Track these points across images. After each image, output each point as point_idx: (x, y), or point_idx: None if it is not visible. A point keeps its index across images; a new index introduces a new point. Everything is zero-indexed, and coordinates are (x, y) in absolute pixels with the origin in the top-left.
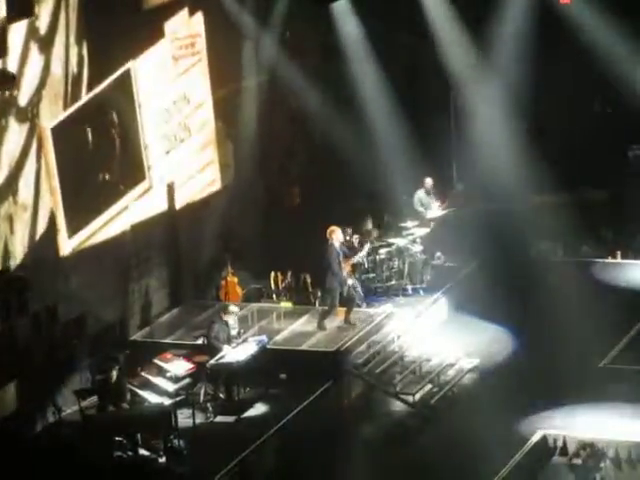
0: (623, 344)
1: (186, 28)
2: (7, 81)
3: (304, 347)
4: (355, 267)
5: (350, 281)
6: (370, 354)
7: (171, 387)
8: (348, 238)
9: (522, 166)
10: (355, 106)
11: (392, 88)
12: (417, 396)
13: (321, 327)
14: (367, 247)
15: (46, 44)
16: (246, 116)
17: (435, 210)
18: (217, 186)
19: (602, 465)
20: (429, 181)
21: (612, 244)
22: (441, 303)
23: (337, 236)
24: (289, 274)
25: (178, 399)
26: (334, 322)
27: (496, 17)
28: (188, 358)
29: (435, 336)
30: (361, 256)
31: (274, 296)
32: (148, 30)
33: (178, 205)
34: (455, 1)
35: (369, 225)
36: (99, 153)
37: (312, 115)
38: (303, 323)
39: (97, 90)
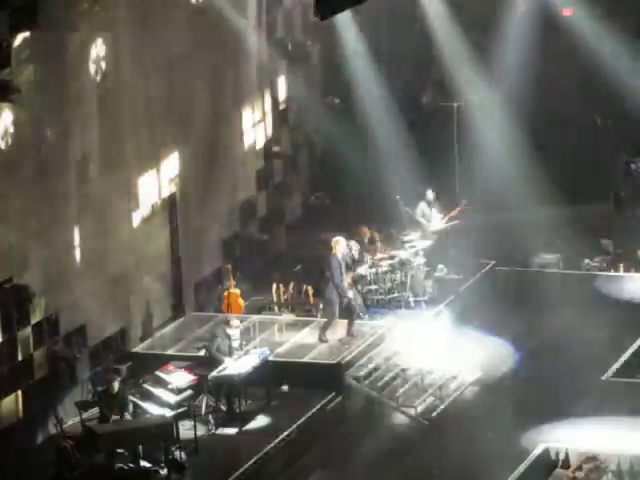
0: (625, 357)
1: None
2: (12, 93)
3: (306, 359)
4: (356, 279)
5: (351, 293)
6: (372, 366)
7: (173, 399)
8: (349, 250)
9: (524, 178)
10: (358, 119)
11: (395, 100)
12: (419, 409)
13: (322, 339)
14: (369, 260)
15: None
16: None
17: (438, 222)
18: None
19: (604, 478)
20: (430, 193)
21: (614, 256)
22: (443, 316)
23: (341, 247)
24: (291, 286)
25: (179, 411)
26: (336, 334)
27: (498, 30)
28: (190, 370)
29: (437, 349)
30: (363, 269)
31: (276, 308)
32: None
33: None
34: (458, 15)
35: (369, 236)
36: None
37: (315, 128)
38: (305, 335)
39: None
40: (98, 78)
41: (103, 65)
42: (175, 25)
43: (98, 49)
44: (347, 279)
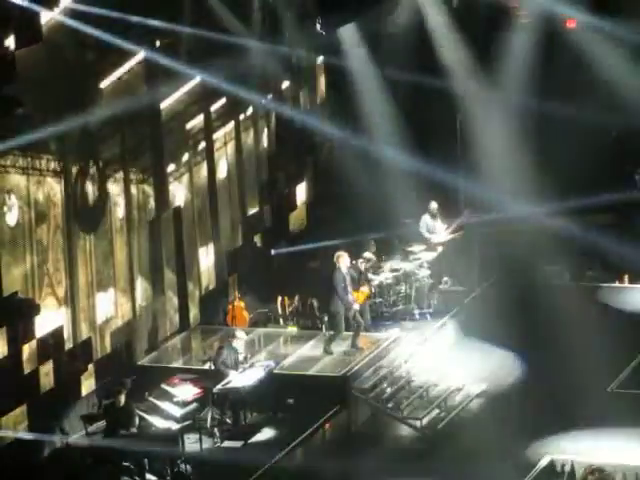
0: (631, 368)
1: None
2: (14, 107)
3: (311, 372)
4: (370, 295)
5: (356, 306)
6: (377, 379)
7: (178, 412)
8: (354, 262)
9: (528, 189)
10: (361, 130)
11: (398, 111)
12: (424, 421)
13: (328, 352)
14: (380, 276)
15: None
16: (249, 144)
17: (442, 234)
18: None
19: None
20: (434, 205)
21: (619, 268)
22: (448, 328)
23: (344, 260)
24: (296, 298)
25: (185, 424)
26: (341, 347)
27: (502, 42)
28: (195, 383)
29: (442, 361)
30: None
31: (281, 321)
32: None
33: None
34: (461, 27)
35: (373, 250)
36: None
37: (318, 141)
38: (310, 348)
39: None
40: None
41: None
42: None
43: None
44: (355, 292)
